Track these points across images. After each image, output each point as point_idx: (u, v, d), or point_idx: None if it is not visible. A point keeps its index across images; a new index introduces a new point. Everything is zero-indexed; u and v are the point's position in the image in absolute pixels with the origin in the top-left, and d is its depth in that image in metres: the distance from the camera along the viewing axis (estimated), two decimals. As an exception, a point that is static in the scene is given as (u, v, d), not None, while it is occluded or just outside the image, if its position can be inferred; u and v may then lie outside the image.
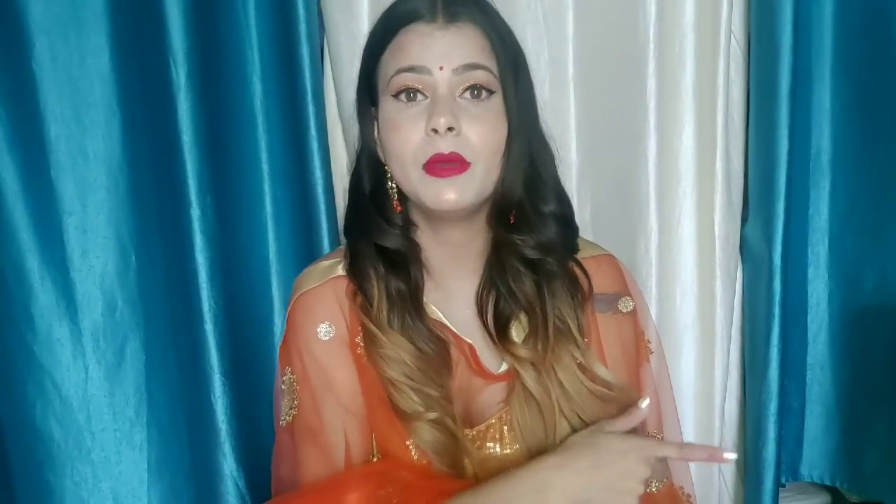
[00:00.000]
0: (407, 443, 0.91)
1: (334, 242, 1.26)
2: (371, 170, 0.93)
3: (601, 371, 0.94)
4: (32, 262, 1.00)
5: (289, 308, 0.96)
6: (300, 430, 0.94)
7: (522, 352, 0.93)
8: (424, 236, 0.94)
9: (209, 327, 1.15)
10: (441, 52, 0.86)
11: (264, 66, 1.21)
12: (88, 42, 1.00)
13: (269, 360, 1.21)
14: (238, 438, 1.18)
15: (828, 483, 1.41)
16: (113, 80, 1.01)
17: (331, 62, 1.27)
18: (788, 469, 1.41)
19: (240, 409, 1.18)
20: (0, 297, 1.01)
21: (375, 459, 0.92)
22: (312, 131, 1.23)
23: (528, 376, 0.92)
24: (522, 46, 0.93)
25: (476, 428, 0.96)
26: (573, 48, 1.28)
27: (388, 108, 0.88)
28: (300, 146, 1.23)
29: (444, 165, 0.85)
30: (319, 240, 1.27)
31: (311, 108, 1.22)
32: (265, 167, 1.22)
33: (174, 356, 1.09)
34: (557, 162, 0.95)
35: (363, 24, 1.23)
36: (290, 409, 0.95)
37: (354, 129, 0.95)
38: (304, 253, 1.26)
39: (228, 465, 1.17)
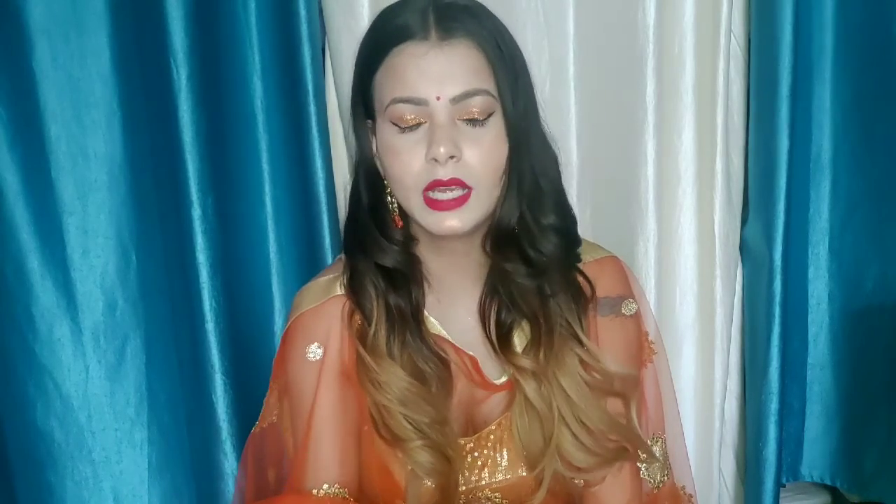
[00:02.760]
0: (390, 466, 0.92)
1: (335, 242, 1.26)
2: (369, 183, 0.92)
3: (607, 362, 0.94)
4: (33, 262, 1.01)
5: (287, 325, 0.97)
6: (272, 442, 0.98)
7: (524, 362, 0.92)
8: (425, 249, 0.93)
9: (210, 327, 1.16)
10: (437, 77, 0.83)
11: (265, 66, 1.20)
12: (89, 42, 1.00)
13: (269, 359, 1.19)
14: (239, 438, 1.18)
15: (828, 483, 1.42)
16: (114, 80, 1.01)
17: (331, 62, 1.27)
18: (789, 469, 1.41)
19: (240, 409, 1.18)
20: (0, 296, 1.01)
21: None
22: (314, 131, 1.23)
23: (529, 387, 0.92)
24: (522, 47, 0.91)
25: (476, 434, 0.96)
26: (573, 48, 1.27)
27: (387, 132, 0.86)
28: (301, 146, 1.24)
29: (444, 194, 0.84)
30: (320, 239, 1.27)
31: (312, 108, 1.22)
32: (266, 167, 1.22)
33: (175, 355, 1.10)
34: (560, 166, 0.94)
35: (364, 24, 1.22)
36: (270, 417, 1.00)
37: (352, 137, 0.95)
38: (305, 253, 1.26)
39: (229, 465, 1.18)
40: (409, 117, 0.84)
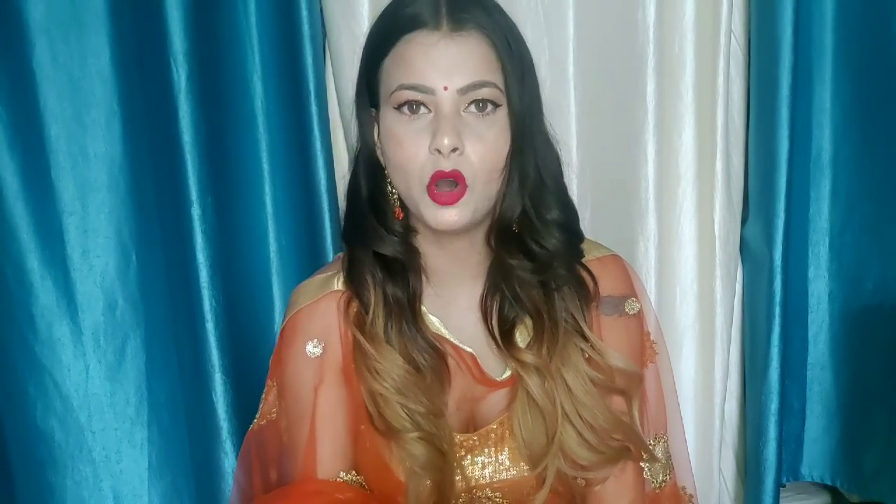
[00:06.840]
0: (389, 463, 0.92)
1: (336, 242, 1.26)
2: (369, 173, 0.92)
3: (612, 357, 0.94)
4: (33, 262, 1.00)
5: (283, 323, 0.97)
6: (271, 438, 0.98)
7: (528, 357, 0.92)
8: (425, 242, 0.93)
9: (210, 326, 1.16)
10: (446, 68, 0.84)
11: (265, 66, 1.20)
12: (89, 42, 1.00)
13: (269, 358, 1.21)
14: (239, 437, 1.18)
15: (828, 483, 1.42)
16: (114, 80, 1.01)
17: (331, 62, 1.27)
18: (789, 469, 1.41)
19: (241, 408, 1.18)
20: (0, 296, 1.01)
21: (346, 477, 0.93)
22: (316, 132, 1.23)
23: (533, 383, 0.92)
24: (525, 46, 0.92)
25: (478, 432, 0.96)
26: (573, 48, 1.28)
27: (391, 119, 0.86)
28: (303, 146, 1.24)
29: (445, 187, 0.84)
30: (321, 239, 1.27)
31: (314, 109, 1.22)
32: (266, 167, 1.22)
33: (175, 355, 1.10)
34: (563, 165, 0.95)
35: (364, 25, 1.23)
36: (269, 414, 0.99)
37: (354, 130, 0.95)
38: (306, 252, 1.26)
39: (229, 464, 1.18)
40: (414, 100, 0.84)
